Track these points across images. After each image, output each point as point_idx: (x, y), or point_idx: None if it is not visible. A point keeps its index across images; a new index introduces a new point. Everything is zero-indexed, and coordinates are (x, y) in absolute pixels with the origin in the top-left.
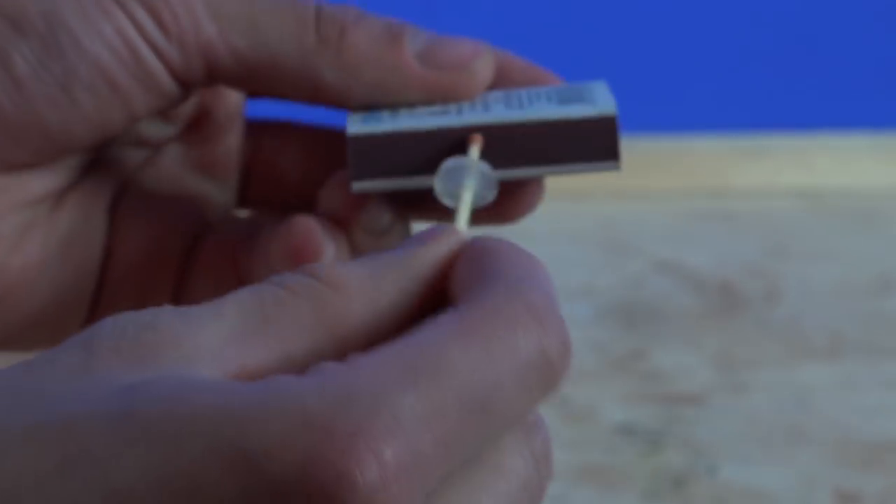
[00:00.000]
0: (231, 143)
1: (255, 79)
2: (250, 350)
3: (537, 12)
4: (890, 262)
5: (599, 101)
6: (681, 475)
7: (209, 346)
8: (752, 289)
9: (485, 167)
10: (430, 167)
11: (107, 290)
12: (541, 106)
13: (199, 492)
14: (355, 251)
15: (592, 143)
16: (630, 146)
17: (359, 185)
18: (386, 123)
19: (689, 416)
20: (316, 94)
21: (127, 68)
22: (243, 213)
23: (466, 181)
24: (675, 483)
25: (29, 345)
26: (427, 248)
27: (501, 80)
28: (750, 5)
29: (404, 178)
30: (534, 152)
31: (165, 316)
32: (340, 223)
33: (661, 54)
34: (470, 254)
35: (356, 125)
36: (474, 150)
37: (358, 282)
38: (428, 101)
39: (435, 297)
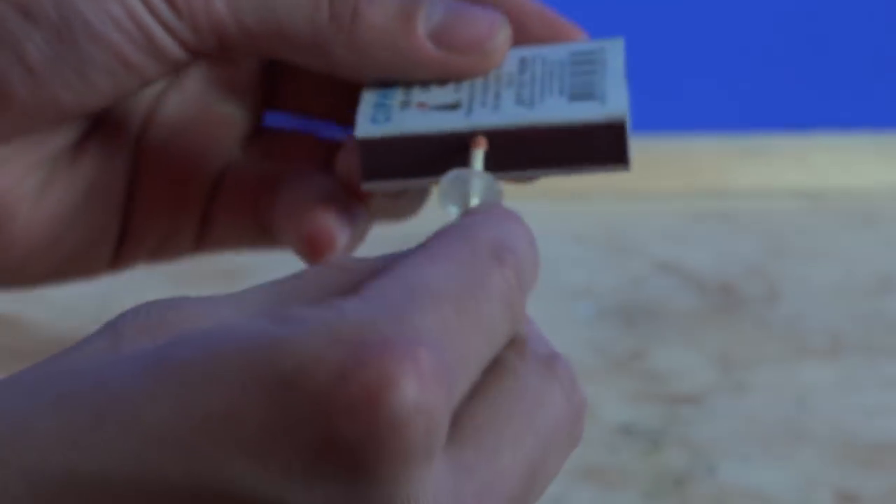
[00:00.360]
0: (253, 60)
1: (268, 53)
2: None
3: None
4: (890, 262)
5: (610, 97)
6: (681, 475)
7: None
8: (752, 289)
9: (487, 177)
10: (439, 168)
11: (133, 229)
12: (551, 103)
13: (240, 420)
14: (373, 215)
15: (600, 147)
16: (630, 146)
17: (368, 185)
18: (395, 121)
19: (689, 416)
20: (329, 69)
21: (140, 48)
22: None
23: (471, 190)
24: (675, 483)
25: (56, 283)
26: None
27: (520, 35)
28: (750, 5)
29: (414, 178)
30: (541, 155)
31: (188, 300)
32: (356, 188)
33: (661, 54)
34: None
35: (365, 125)
36: (478, 157)
37: (366, 263)
38: (442, 81)
39: None
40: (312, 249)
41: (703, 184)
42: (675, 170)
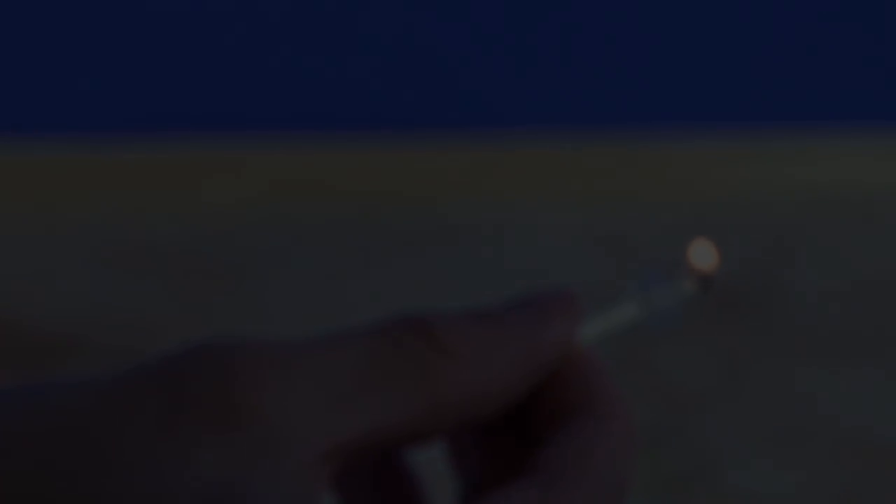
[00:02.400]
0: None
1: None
2: (344, 422)
3: (540, 11)
4: (890, 262)
5: None
6: (681, 475)
7: (303, 418)
8: (752, 289)
9: (676, 304)
10: None
11: None
12: None
13: None
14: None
15: None
16: (630, 147)
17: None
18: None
19: (690, 417)
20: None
21: None
22: None
23: (651, 298)
24: (676, 483)
25: None
26: (547, 333)
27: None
28: (751, 6)
29: None
30: None
31: (267, 363)
32: None
33: (661, 54)
34: (578, 381)
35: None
36: (688, 283)
37: (470, 354)
38: None
39: (535, 383)
40: None
41: (703, 184)
42: (676, 170)
